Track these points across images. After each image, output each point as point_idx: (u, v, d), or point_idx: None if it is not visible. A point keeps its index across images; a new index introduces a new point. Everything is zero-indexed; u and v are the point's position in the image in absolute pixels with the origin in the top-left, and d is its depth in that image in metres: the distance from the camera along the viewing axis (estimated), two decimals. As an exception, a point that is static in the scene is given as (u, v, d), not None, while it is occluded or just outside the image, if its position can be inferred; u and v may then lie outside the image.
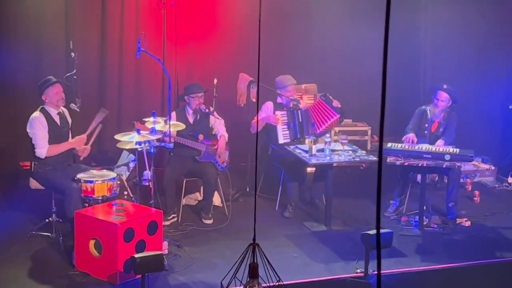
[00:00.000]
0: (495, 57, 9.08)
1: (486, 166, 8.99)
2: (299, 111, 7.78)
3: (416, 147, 7.15)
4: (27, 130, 6.54)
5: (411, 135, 7.36)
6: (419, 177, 7.60)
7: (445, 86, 7.42)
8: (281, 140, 7.77)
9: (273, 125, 7.74)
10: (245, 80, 8.01)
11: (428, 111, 7.48)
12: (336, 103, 7.66)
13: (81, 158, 6.81)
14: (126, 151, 7.48)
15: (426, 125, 7.51)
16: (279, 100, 7.83)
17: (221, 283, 3.68)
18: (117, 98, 8.57)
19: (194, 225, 7.15)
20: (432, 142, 7.37)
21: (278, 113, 7.77)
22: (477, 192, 8.19)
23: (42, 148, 6.48)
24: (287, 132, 7.79)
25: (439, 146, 7.25)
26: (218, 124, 7.50)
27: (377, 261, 2.09)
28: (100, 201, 6.15)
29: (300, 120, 7.78)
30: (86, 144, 6.80)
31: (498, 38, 9.12)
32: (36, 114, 6.55)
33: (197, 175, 7.39)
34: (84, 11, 8.27)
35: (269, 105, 7.82)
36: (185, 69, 8.58)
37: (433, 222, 7.23)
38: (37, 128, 6.49)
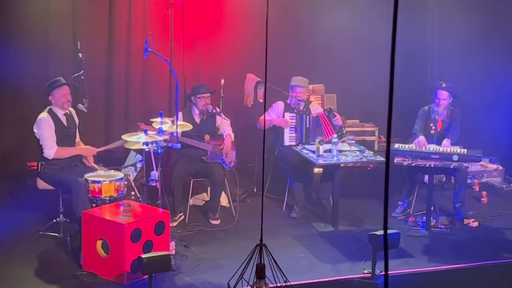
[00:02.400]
0: (503, 56, 9.04)
1: (494, 167, 8.95)
2: (307, 117, 7.76)
3: (424, 148, 7.13)
4: (34, 131, 6.55)
5: (422, 139, 7.26)
6: (426, 177, 7.57)
7: (444, 85, 7.39)
8: (286, 142, 7.77)
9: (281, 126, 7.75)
10: (252, 80, 8.00)
11: (435, 111, 7.45)
12: (337, 120, 7.54)
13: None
14: (134, 152, 7.49)
15: (431, 124, 7.47)
16: (289, 100, 7.82)
17: (228, 284, 3.67)
18: (124, 99, 8.59)
19: (201, 225, 7.15)
20: (439, 141, 7.35)
21: (287, 116, 7.77)
22: (484, 193, 8.16)
23: (50, 149, 6.50)
24: (294, 135, 7.78)
25: (446, 145, 7.22)
26: (224, 124, 7.51)
27: (384, 261, 2.08)
28: (107, 201, 6.15)
29: (307, 126, 7.76)
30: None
31: (505, 36, 9.08)
32: (43, 115, 6.55)
33: (204, 175, 7.40)
34: (92, 11, 8.29)
35: (279, 105, 7.82)
36: (192, 69, 8.58)
37: (440, 222, 7.21)
38: (44, 128, 6.50)
